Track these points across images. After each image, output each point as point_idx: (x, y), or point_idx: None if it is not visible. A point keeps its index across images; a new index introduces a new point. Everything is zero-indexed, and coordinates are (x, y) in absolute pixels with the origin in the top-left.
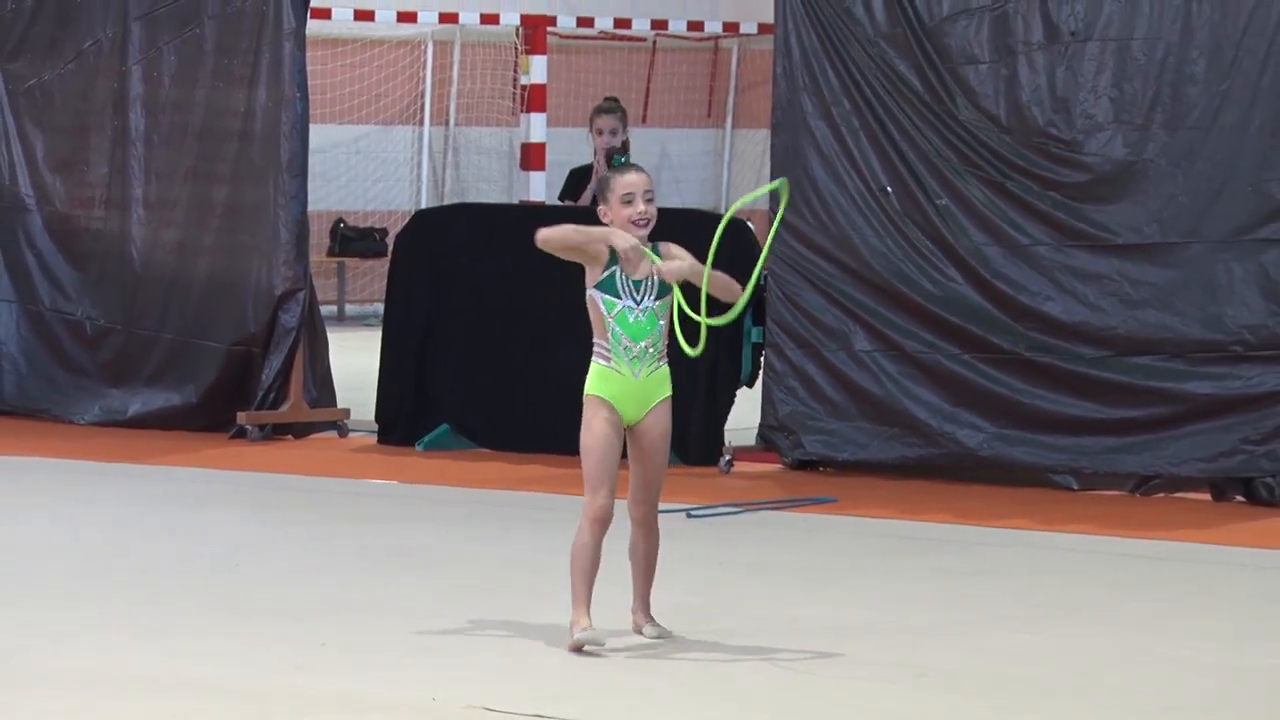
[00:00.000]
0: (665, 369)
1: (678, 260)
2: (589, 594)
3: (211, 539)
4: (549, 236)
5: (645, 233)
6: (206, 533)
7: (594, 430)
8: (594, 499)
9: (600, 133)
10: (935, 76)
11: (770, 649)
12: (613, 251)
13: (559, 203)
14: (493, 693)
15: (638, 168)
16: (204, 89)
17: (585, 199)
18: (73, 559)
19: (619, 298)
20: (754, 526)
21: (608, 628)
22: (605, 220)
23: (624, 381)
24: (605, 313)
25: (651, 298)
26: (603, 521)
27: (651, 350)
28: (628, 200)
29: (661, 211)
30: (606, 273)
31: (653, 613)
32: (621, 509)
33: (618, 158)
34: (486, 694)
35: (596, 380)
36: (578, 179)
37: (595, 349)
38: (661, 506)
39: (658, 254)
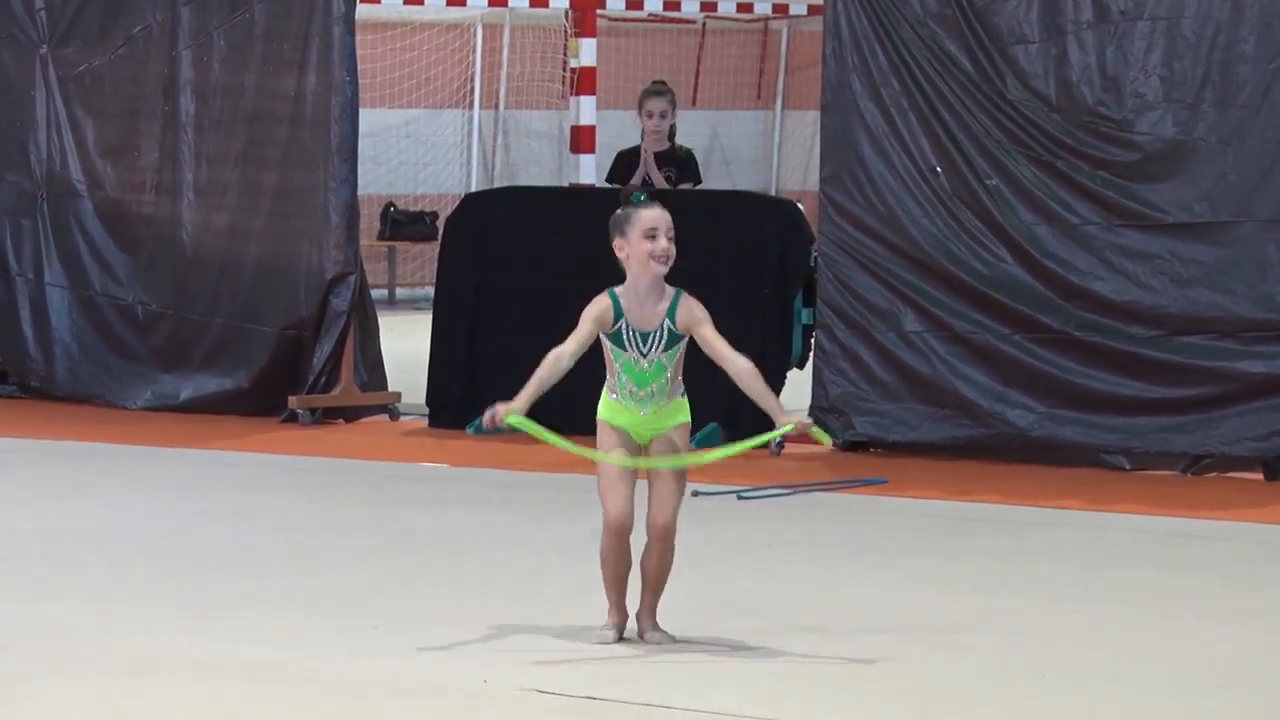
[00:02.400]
0: (678, 401)
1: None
2: (620, 596)
3: (262, 523)
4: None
5: (665, 270)
6: (257, 517)
7: (605, 444)
8: (607, 507)
9: (650, 115)
10: (985, 56)
11: (821, 630)
12: (615, 302)
13: (607, 185)
14: (545, 676)
15: (659, 204)
16: (254, 73)
17: (636, 180)
18: (124, 544)
19: (625, 350)
20: (804, 508)
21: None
22: (621, 255)
23: (632, 415)
24: (613, 360)
25: (659, 350)
26: (617, 530)
27: (658, 393)
28: (651, 235)
29: (711, 193)
30: (614, 328)
31: (658, 618)
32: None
33: (636, 195)
34: (538, 678)
35: (606, 409)
36: (624, 161)
37: (606, 380)
38: (711, 488)
39: (675, 314)
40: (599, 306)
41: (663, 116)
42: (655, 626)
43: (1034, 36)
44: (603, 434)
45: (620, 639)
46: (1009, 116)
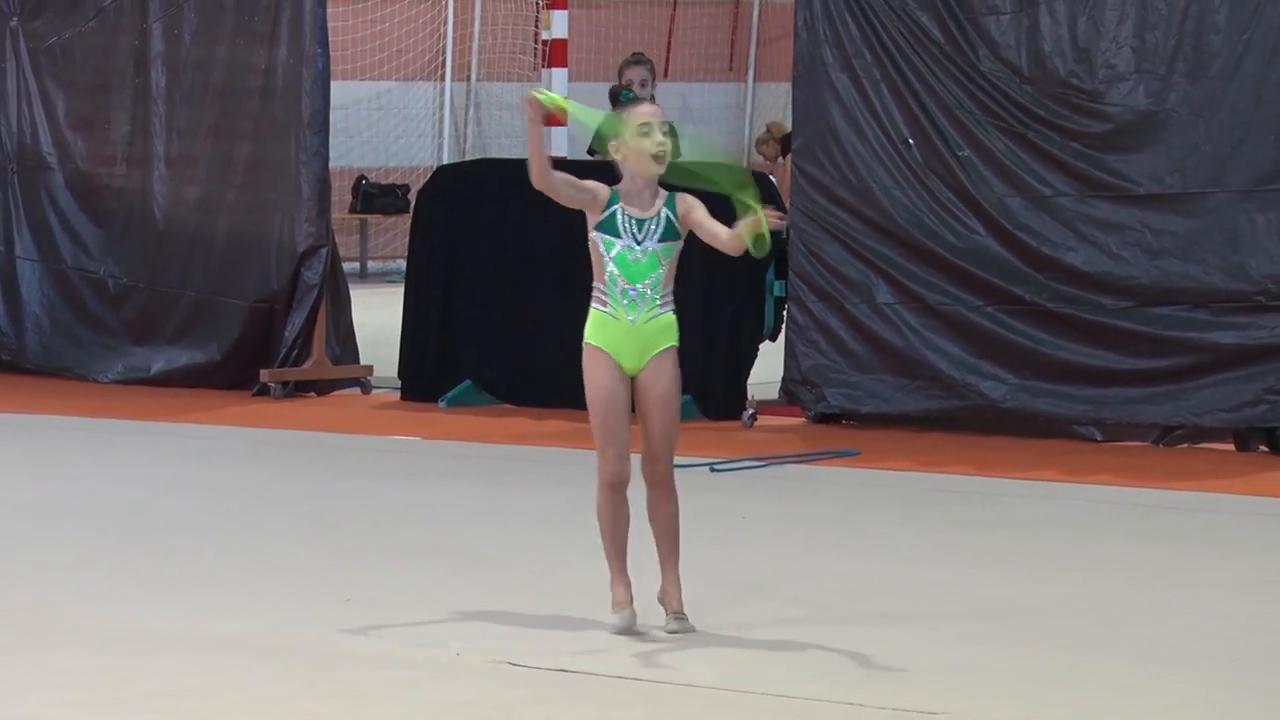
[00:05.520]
0: (669, 317)
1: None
2: (621, 561)
3: (235, 496)
4: (548, 184)
5: (662, 168)
6: (230, 490)
7: (596, 384)
8: (604, 461)
9: (629, 85)
10: (956, 27)
11: (794, 601)
12: (614, 192)
13: (587, 157)
14: (516, 647)
15: (649, 99)
16: (225, 46)
17: None
18: (96, 516)
19: (619, 237)
20: (777, 480)
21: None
22: (617, 156)
23: (620, 327)
24: (604, 253)
25: (654, 240)
26: (615, 484)
27: (651, 293)
28: (645, 132)
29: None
30: (607, 212)
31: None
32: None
33: (625, 93)
34: (510, 649)
35: (593, 327)
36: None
37: (593, 294)
38: (684, 460)
39: (674, 205)
40: (599, 185)
41: (642, 85)
42: (679, 614)
43: (1006, 7)
44: (590, 367)
45: (634, 623)
46: (981, 88)
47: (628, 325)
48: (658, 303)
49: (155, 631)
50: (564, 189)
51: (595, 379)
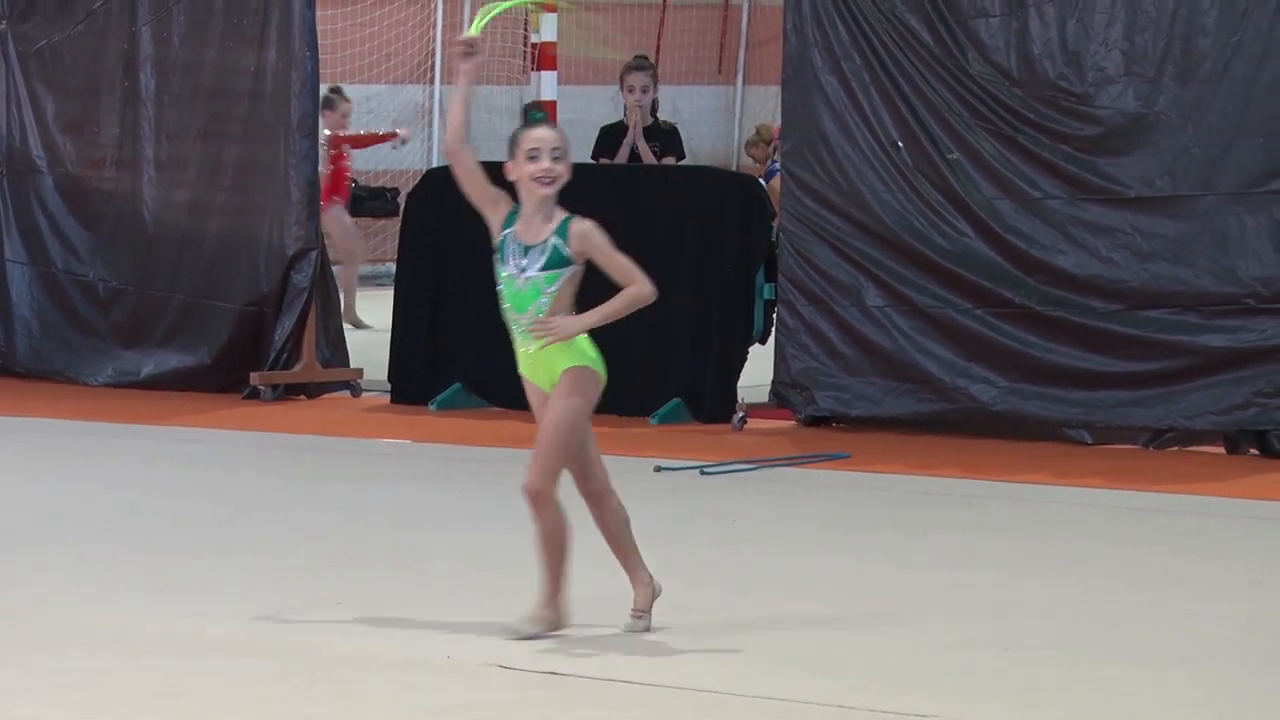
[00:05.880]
0: (563, 344)
1: (566, 320)
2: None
3: (225, 499)
4: (458, 157)
5: (549, 191)
6: (220, 493)
7: (536, 414)
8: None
9: (630, 90)
10: (946, 30)
11: (783, 605)
12: (511, 213)
13: (592, 161)
14: (507, 651)
15: (549, 124)
16: (214, 49)
17: (622, 156)
18: (87, 520)
19: (505, 264)
20: (767, 483)
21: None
22: (511, 177)
23: (524, 355)
24: (500, 285)
25: (536, 268)
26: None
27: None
28: (532, 156)
29: (673, 168)
30: (501, 235)
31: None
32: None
33: (533, 114)
34: (501, 652)
35: (519, 359)
36: (609, 136)
37: None
38: (675, 464)
39: (566, 231)
40: (503, 196)
41: (644, 91)
42: (638, 612)
43: (995, 10)
44: (528, 396)
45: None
46: (970, 90)
47: (528, 353)
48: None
49: (152, 633)
50: (470, 173)
51: (533, 408)
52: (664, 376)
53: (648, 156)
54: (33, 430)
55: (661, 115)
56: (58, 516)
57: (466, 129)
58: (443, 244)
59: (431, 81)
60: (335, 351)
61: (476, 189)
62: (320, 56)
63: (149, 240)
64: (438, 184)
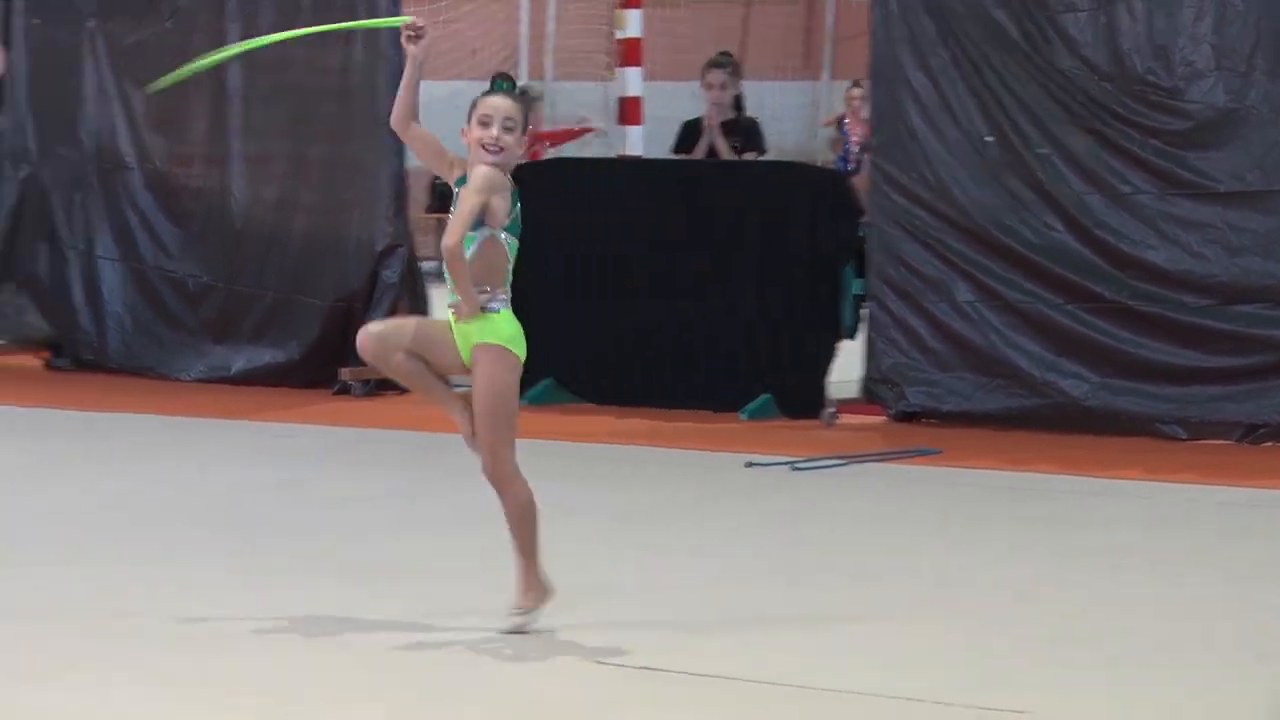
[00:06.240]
0: (489, 314)
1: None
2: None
3: (315, 494)
4: (405, 133)
5: (493, 159)
6: (310, 488)
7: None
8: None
9: (710, 87)
10: (1034, 25)
11: (875, 598)
12: (462, 178)
13: (672, 156)
14: (605, 647)
15: (511, 95)
16: (301, 45)
17: (700, 152)
18: (177, 515)
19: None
20: (858, 478)
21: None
22: (464, 140)
23: (449, 313)
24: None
25: (469, 228)
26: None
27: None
28: (484, 123)
29: (760, 164)
30: (455, 194)
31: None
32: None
33: (498, 84)
34: (601, 648)
35: None
36: (689, 131)
37: None
38: (766, 459)
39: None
40: (457, 159)
41: (722, 88)
42: (520, 609)
43: (1083, 4)
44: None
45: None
46: (1059, 85)
47: (449, 311)
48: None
49: (236, 628)
50: (421, 140)
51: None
52: (753, 372)
53: (724, 152)
54: (124, 425)
55: (746, 111)
56: (143, 511)
57: (413, 109)
58: (531, 240)
59: (518, 78)
60: None
61: (429, 155)
62: None
63: (237, 236)
64: (526, 180)
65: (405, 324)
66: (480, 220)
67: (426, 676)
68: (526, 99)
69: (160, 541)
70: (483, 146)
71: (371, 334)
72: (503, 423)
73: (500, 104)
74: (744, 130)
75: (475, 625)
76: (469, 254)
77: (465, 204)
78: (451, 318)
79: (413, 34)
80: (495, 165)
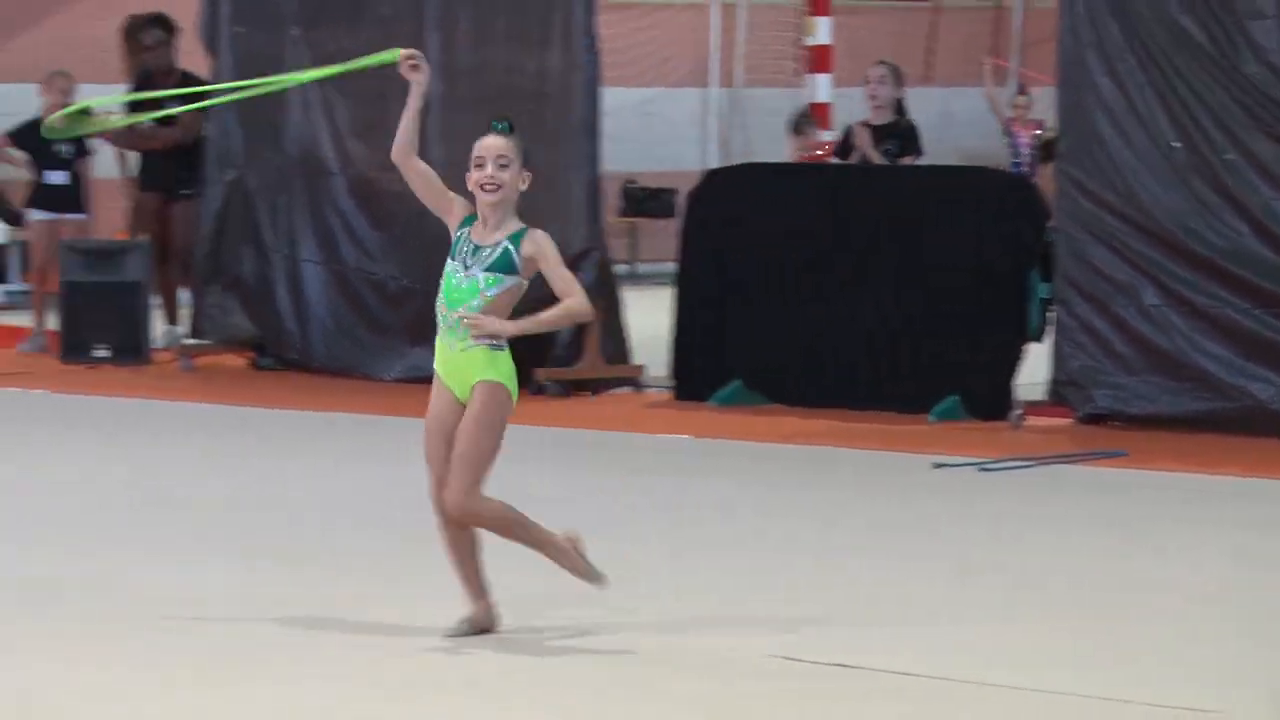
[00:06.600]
0: (485, 352)
1: (501, 321)
2: (463, 581)
3: (511, 492)
4: (405, 166)
5: (492, 198)
6: (506, 486)
7: (429, 410)
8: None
9: (868, 81)
10: (1221, 31)
11: (1056, 597)
12: (469, 217)
13: (852, 162)
14: (793, 644)
15: (504, 133)
16: (498, 52)
17: (853, 160)
18: (373, 512)
19: (453, 259)
20: (1046, 479)
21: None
22: (470, 186)
23: (443, 352)
24: (444, 275)
25: (481, 267)
26: (436, 509)
27: (460, 323)
28: (479, 164)
29: (948, 170)
30: (457, 234)
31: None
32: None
33: (494, 124)
34: (787, 645)
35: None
36: (846, 137)
37: None
38: (954, 460)
39: (520, 240)
40: (459, 200)
41: (880, 82)
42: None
43: (1270, 11)
44: (433, 385)
45: (467, 629)
46: (1245, 91)
47: (448, 351)
48: (471, 335)
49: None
50: (421, 177)
51: (430, 405)
52: (941, 374)
53: (874, 159)
54: (331, 424)
55: (925, 117)
56: (349, 506)
57: (414, 141)
58: (723, 243)
59: (708, 85)
60: (618, 348)
61: (429, 192)
62: (599, 60)
63: (436, 240)
64: (718, 184)
65: (433, 453)
66: (517, 266)
67: (632, 675)
68: (809, 126)
69: (351, 540)
70: (481, 187)
71: (451, 503)
72: (486, 458)
73: (491, 144)
74: (902, 134)
75: (679, 620)
76: (492, 294)
77: (563, 269)
78: (447, 363)
79: (413, 64)
80: (498, 202)
